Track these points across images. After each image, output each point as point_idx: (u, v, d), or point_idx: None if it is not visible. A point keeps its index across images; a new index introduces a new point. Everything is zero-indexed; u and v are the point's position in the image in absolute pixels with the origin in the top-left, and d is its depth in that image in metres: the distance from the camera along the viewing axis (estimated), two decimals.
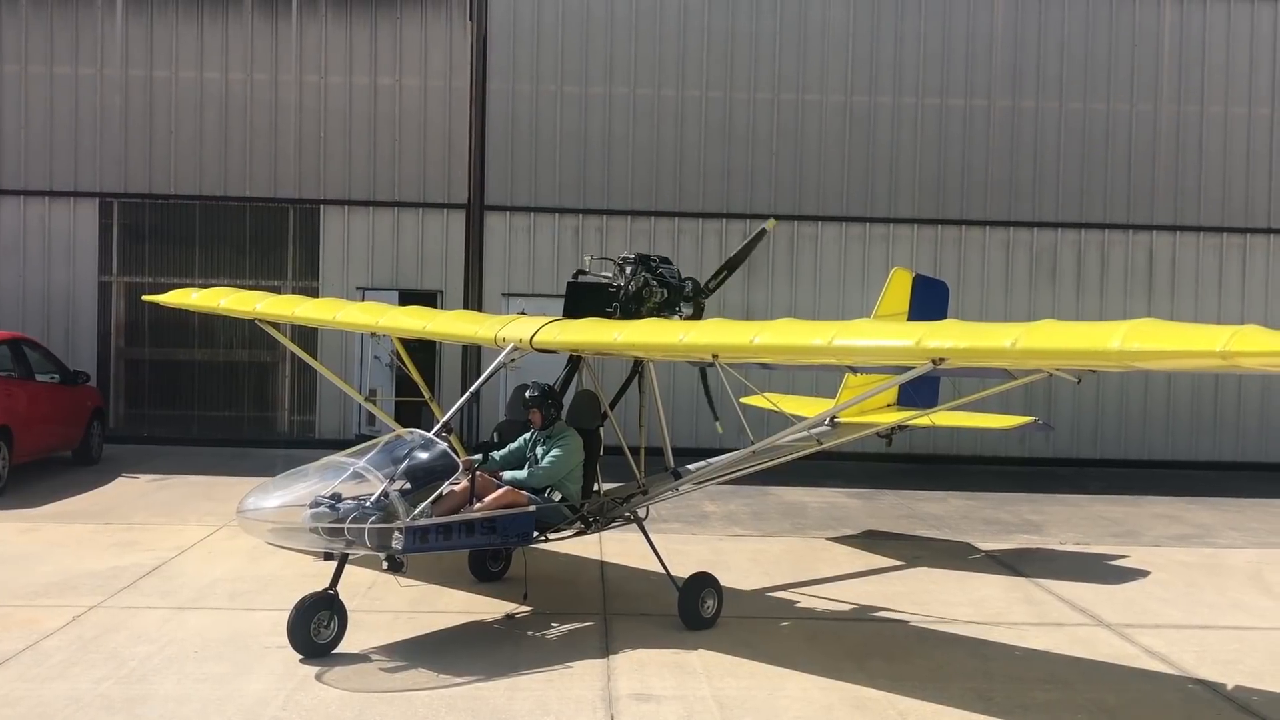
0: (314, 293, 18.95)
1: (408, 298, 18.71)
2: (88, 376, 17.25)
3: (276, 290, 18.47)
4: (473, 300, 19.68)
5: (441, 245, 19.94)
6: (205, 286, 14.82)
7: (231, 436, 19.68)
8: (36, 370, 15.90)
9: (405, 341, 11.74)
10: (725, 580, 10.02)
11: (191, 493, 14.98)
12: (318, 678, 7.82)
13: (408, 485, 8.41)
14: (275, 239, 20.05)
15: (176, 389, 20.06)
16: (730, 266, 11.13)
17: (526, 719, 7.28)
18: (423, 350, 18.15)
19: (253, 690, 7.60)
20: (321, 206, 19.94)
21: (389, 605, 9.63)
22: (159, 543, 11.90)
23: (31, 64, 19.76)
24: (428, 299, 19.16)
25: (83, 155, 19.79)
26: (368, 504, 8.14)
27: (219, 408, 20.07)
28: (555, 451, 9.30)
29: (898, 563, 12.18)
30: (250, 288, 16.39)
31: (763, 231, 11.36)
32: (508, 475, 9.20)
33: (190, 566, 10.98)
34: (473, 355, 19.11)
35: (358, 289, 19.57)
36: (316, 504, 8.13)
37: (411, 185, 19.95)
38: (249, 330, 18.91)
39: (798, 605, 10.36)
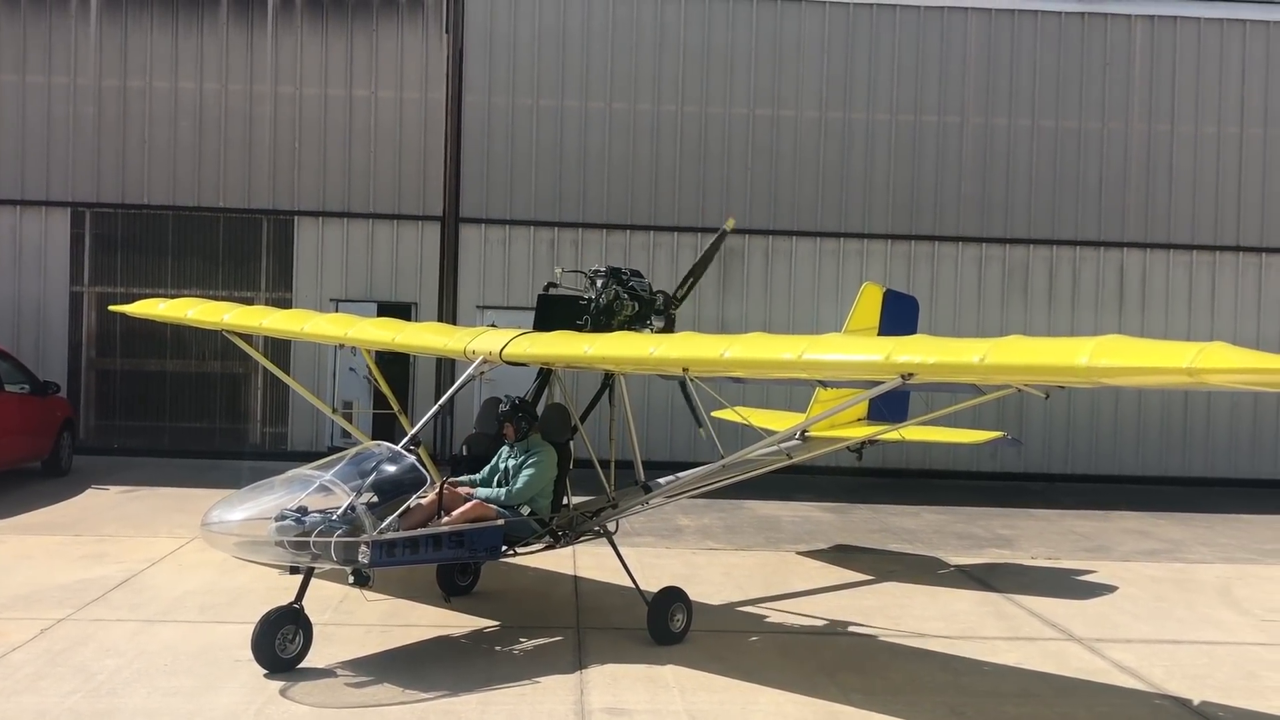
0: (287, 304, 18.87)
1: (383, 310, 18.64)
2: (58, 387, 17.12)
3: (249, 302, 18.37)
4: (447, 313, 19.63)
5: (416, 257, 19.90)
6: (177, 297, 14.72)
7: (203, 448, 19.55)
8: (6, 380, 15.77)
9: (380, 354, 11.68)
10: (698, 594, 10.02)
11: (162, 504, 14.88)
12: (288, 692, 7.77)
13: (375, 498, 8.34)
14: (249, 250, 19.95)
15: (148, 400, 19.91)
16: (696, 273, 11.17)
17: None
18: (397, 363, 18.09)
19: (222, 704, 7.54)
20: (296, 218, 19.87)
21: (360, 619, 9.58)
22: (129, 555, 11.81)
23: (3, 72, 19.62)
24: (402, 311, 19.07)
25: (55, 164, 19.66)
26: (334, 517, 8.09)
27: (190, 419, 19.91)
28: (528, 471, 9.25)
29: (870, 577, 12.21)
30: (223, 299, 16.29)
31: (723, 232, 11.37)
32: (482, 493, 9.17)
33: (160, 579, 10.90)
34: (447, 368, 19.06)
35: (331, 301, 19.49)
36: (282, 517, 8.06)
37: (386, 197, 19.90)
38: (221, 341, 18.52)
39: (770, 619, 10.37)
